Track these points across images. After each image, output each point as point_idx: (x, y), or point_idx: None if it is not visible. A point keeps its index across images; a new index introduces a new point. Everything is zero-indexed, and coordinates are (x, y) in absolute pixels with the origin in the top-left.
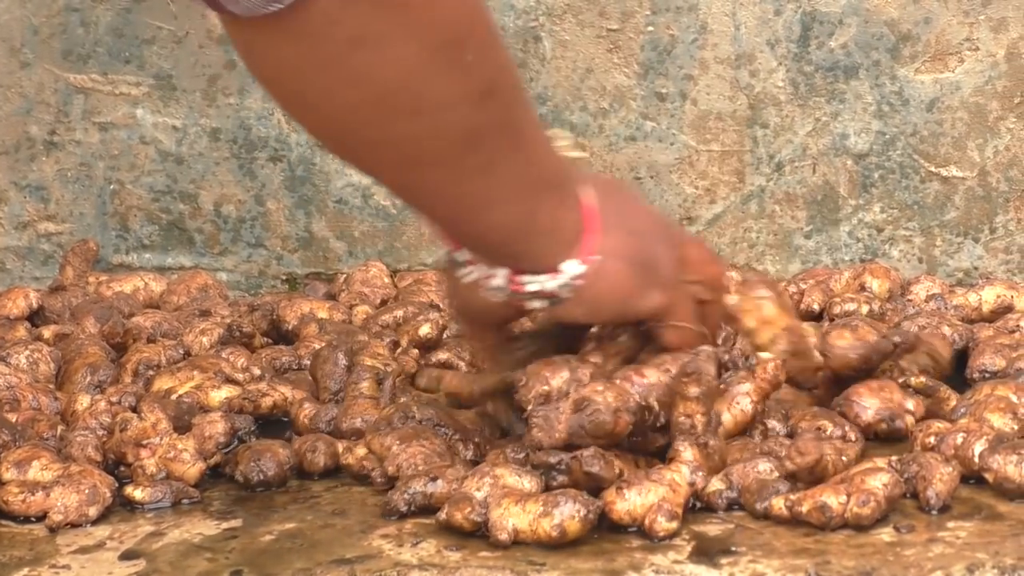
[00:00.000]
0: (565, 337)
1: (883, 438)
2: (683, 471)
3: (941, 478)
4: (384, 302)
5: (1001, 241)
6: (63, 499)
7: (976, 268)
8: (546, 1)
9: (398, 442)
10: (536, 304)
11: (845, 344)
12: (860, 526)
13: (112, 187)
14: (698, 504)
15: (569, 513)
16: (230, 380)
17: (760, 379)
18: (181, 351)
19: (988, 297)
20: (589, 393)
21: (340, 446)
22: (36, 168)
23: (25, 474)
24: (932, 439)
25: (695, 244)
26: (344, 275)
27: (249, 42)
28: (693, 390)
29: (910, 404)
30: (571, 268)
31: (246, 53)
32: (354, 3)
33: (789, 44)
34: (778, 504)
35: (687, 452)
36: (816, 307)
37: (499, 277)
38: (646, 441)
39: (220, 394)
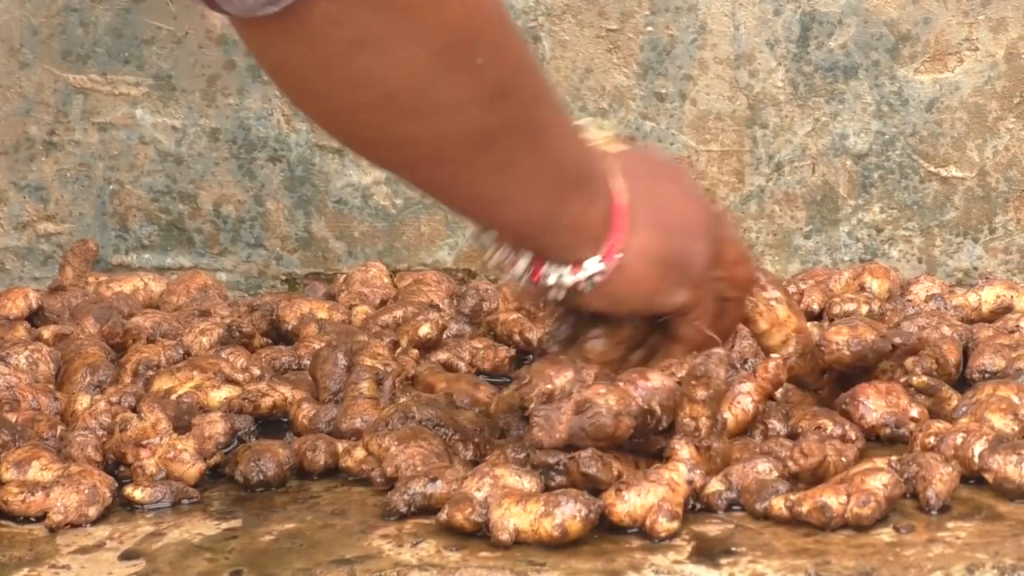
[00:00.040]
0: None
1: (884, 441)
2: (681, 469)
3: (941, 478)
4: (384, 302)
5: (1000, 241)
6: (63, 499)
7: (976, 268)
8: (545, 1)
9: (396, 443)
10: (555, 294)
11: (841, 340)
12: (860, 526)
13: (111, 187)
14: (698, 505)
15: (570, 513)
16: (230, 380)
17: (761, 378)
18: (181, 351)
19: (988, 297)
20: (591, 395)
21: (340, 446)
22: (35, 168)
23: (25, 474)
24: (932, 439)
25: (731, 242)
26: (344, 275)
27: (253, 40)
28: (701, 393)
29: (915, 412)
30: (592, 266)
31: (252, 49)
32: (354, 6)
33: (788, 44)
34: (778, 504)
35: (684, 450)
36: (816, 307)
37: (522, 263)
38: (648, 443)
39: (220, 394)
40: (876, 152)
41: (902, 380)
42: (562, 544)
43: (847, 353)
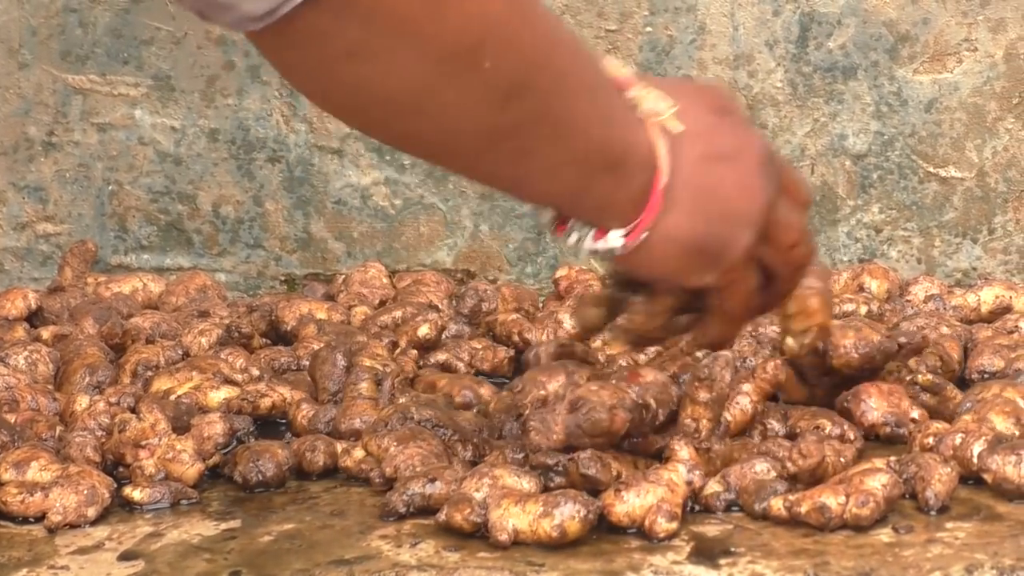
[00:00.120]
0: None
1: (883, 440)
2: (680, 470)
3: (940, 479)
4: (383, 303)
5: (1000, 242)
6: (62, 500)
7: (975, 268)
8: (544, 2)
9: (395, 443)
10: (576, 252)
11: (848, 343)
12: (859, 527)
13: (110, 188)
14: (696, 507)
15: (569, 513)
16: (229, 381)
17: (760, 379)
18: (180, 352)
19: (987, 297)
20: (584, 392)
21: (339, 447)
22: (35, 169)
23: (24, 475)
24: (931, 440)
25: (790, 227)
26: (343, 276)
27: (253, 43)
28: (703, 395)
29: (915, 414)
30: (615, 239)
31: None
32: (342, 19)
33: (787, 45)
34: (777, 505)
35: (683, 451)
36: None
37: (549, 213)
38: (646, 442)
39: (219, 395)
40: (875, 152)
41: (907, 379)
42: (561, 545)
43: (855, 356)
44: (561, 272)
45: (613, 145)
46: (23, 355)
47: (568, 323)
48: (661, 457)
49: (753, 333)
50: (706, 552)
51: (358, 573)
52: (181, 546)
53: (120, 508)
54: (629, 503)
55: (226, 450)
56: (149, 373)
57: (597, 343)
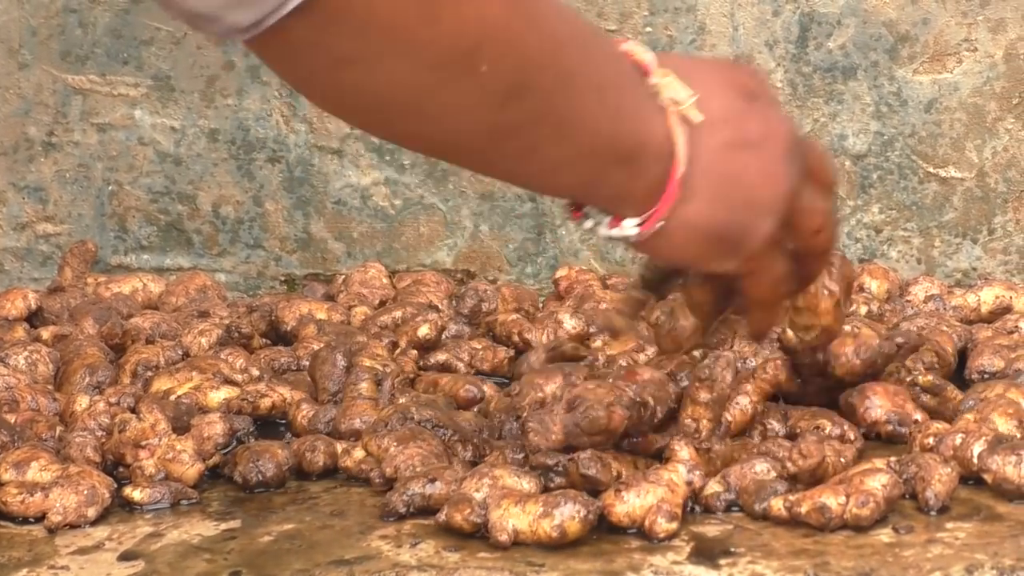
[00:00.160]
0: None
1: (884, 439)
2: (680, 470)
3: (940, 479)
4: (383, 303)
5: (999, 242)
6: (62, 500)
7: (975, 269)
8: None
9: (396, 443)
10: (591, 237)
11: (849, 351)
12: (859, 527)
13: (110, 188)
14: (696, 507)
15: (569, 514)
16: (229, 381)
17: (760, 379)
18: (180, 352)
19: (987, 298)
20: (581, 391)
21: (339, 447)
22: (34, 169)
23: (24, 475)
24: (931, 440)
25: (815, 213)
26: (343, 276)
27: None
28: (704, 396)
29: (918, 416)
30: (630, 227)
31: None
32: (335, 29)
33: (787, 45)
34: (777, 505)
35: (683, 451)
36: None
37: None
38: (646, 441)
39: (219, 395)
40: (875, 153)
41: (908, 380)
42: (561, 545)
43: (858, 362)
44: (561, 272)
45: (624, 139)
46: (23, 355)
47: (568, 323)
48: (661, 457)
49: None
50: (706, 552)
51: (358, 573)
52: (181, 546)
53: (120, 508)
54: (629, 503)
55: (226, 450)
56: (149, 373)
57: (597, 343)
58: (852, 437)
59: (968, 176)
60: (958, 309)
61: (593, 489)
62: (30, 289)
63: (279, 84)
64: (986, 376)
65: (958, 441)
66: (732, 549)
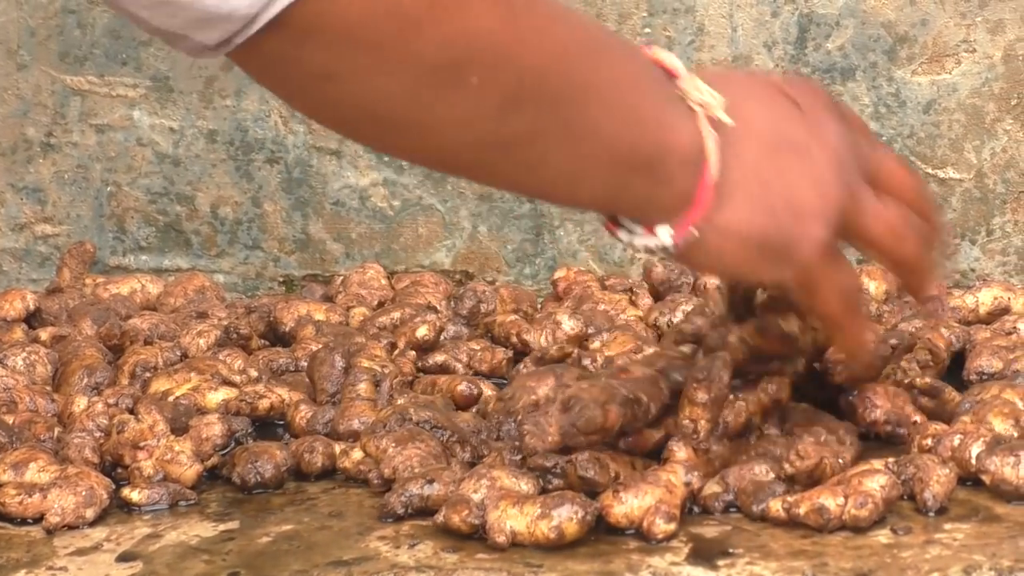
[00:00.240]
0: None
1: (883, 440)
2: (678, 471)
3: (938, 480)
4: (381, 304)
5: (998, 243)
6: (60, 501)
7: (973, 270)
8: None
9: (394, 444)
10: (627, 242)
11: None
12: (857, 528)
13: (109, 189)
14: (695, 508)
15: (567, 515)
16: (227, 382)
17: (762, 391)
18: (178, 353)
19: (985, 299)
20: (575, 391)
21: (337, 448)
22: (33, 170)
23: (22, 476)
24: (929, 441)
25: (873, 218)
26: (341, 277)
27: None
28: (701, 396)
29: (917, 417)
30: (663, 235)
31: None
32: (309, 45)
33: (786, 46)
34: (775, 506)
35: (681, 452)
36: None
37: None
38: (641, 438)
39: (217, 396)
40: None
41: (905, 382)
42: (559, 546)
43: (857, 368)
44: (559, 273)
45: (644, 145)
46: (21, 356)
47: (566, 324)
48: (659, 458)
49: None
50: (704, 553)
51: (356, 574)
52: (179, 547)
53: (118, 509)
54: (627, 504)
55: (224, 451)
56: (147, 374)
57: (596, 344)
58: (848, 441)
59: (967, 177)
60: (956, 310)
61: (591, 490)
62: (28, 290)
63: None
64: (984, 377)
65: (956, 442)
66: (730, 550)
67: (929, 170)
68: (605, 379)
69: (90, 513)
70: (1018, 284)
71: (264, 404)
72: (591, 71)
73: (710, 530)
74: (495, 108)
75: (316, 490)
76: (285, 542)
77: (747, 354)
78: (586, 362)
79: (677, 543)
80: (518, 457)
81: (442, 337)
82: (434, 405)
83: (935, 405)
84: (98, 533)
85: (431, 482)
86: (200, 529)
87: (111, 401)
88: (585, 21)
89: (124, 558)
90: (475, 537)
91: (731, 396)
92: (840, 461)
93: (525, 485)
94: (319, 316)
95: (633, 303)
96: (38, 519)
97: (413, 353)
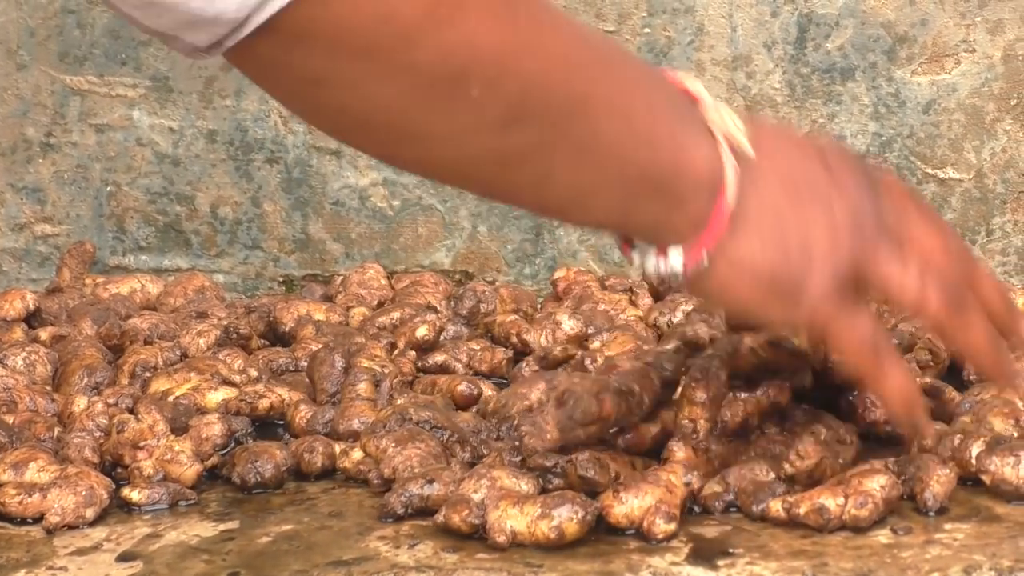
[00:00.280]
0: None
1: (883, 440)
2: (678, 471)
3: (938, 480)
4: (381, 304)
5: (998, 243)
6: (60, 501)
7: None
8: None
9: (394, 444)
10: (639, 265)
11: None
12: (858, 528)
13: (109, 189)
14: (695, 508)
15: (567, 515)
16: (227, 382)
17: (761, 394)
18: (178, 353)
19: None
20: (568, 385)
21: (337, 448)
22: (33, 170)
23: (22, 476)
24: (929, 441)
25: (886, 278)
26: (341, 277)
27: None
28: (700, 395)
29: None
30: (675, 260)
31: None
32: (301, 50)
33: (786, 46)
34: (775, 506)
35: (681, 452)
36: None
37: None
38: (638, 435)
39: (217, 396)
40: (873, 153)
41: None
42: (559, 546)
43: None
44: (559, 273)
45: (657, 167)
46: (21, 356)
47: (566, 324)
48: (659, 458)
49: None
50: (704, 553)
51: (356, 574)
52: (179, 547)
53: (118, 509)
54: (627, 504)
55: (224, 451)
56: (147, 374)
57: (596, 344)
58: (848, 440)
59: (966, 177)
60: None
61: (591, 490)
62: (28, 290)
63: None
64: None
65: (956, 442)
66: (730, 550)
67: (929, 170)
68: (595, 374)
69: (90, 513)
70: (1018, 284)
71: (264, 404)
72: (604, 87)
73: (710, 530)
74: (498, 121)
75: (316, 490)
76: (285, 542)
77: (756, 365)
78: (588, 363)
79: (677, 543)
80: (518, 458)
81: (442, 337)
82: (434, 405)
83: (935, 405)
84: (98, 533)
85: (431, 482)
86: (200, 529)
87: (111, 401)
88: (599, 37)
89: (124, 558)
90: (475, 537)
91: (730, 395)
92: (840, 461)
93: (525, 485)
94: (319, 316)
95: (633, 303)
96: (38, 519)
97: (413, 353)
